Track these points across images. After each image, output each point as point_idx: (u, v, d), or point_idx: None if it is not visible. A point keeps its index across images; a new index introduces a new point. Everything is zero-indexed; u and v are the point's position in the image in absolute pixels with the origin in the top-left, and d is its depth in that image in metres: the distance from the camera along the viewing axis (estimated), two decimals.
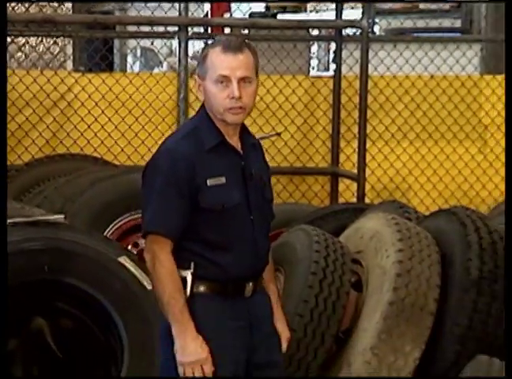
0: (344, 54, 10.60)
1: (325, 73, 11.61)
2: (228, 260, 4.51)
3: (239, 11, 14.06)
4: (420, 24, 12.77)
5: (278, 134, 10.29)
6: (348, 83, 10.44)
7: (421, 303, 6.31)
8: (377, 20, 11.76)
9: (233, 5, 14.55)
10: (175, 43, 10.68)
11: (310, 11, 13.43)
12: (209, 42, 14.02)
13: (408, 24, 12.75)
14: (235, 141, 4.59)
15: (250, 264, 4.58)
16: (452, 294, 6.39)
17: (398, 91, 10.72)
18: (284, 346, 4.83)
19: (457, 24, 13.02)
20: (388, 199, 9.70)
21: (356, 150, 10.13)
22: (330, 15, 11.19)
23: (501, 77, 11.11)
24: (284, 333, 4.83)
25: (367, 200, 9.99)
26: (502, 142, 10.74)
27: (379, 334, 6.23)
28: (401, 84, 10.74)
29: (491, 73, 11.94)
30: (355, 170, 10.15)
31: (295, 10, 13.86)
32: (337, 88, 10.37)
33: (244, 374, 4.58)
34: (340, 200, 10.32)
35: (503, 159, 10.81)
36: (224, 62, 4.43)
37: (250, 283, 4.59)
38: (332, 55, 10.97)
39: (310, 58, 12.73)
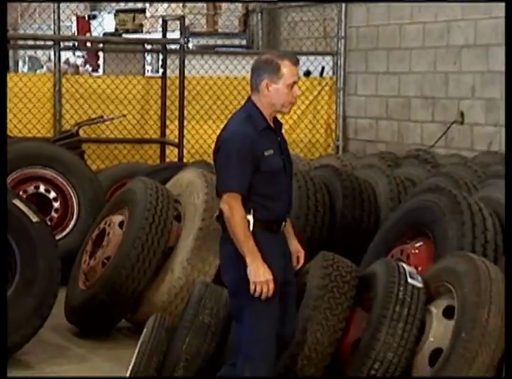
0: (169, 61, 10.59)
1: (156, 74, 11.51)
2: (276, 206, 4.41)
3: (96, 32, 13.91)
4: (219, 42, 12.82)
5: (124, 116, 10.24)
6: (171, 81, 10.41)
7: (220, 228, 6.33)
8: (190, 38, 11.69)
9: (92, 27, 14.39)
10: (51, 52, 10.44)
11: (146, 32, 13.23)
12: (76, 52, 14.06)
13: (211, 41, 12.81)
14: (272, 124, 4.51)
15: (285, 209, 4.50)
16: None
17: (205, 86, 10.76)
18: (302, 260, 4.66)
19: (244, 42, 13.09)
20: (198, 159, 9.70)
21: (177, 126, 10.18)
22: (159, 35, 11.10)
23: None
24: (300, 250, 4.66)
25: (184, 160, 10.01)
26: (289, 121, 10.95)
27: (192, 249, 6.25)
28: (207, 82, 10.79)
29: None
30: (176, 140, 10.19)
31: (135, 31, 13.65)
32: (164, 85, 10.36)
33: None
34: (167, 160, 10.31)
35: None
36: (294, 72, 4.43)
37: (284, 222, 4.50)
38: (160, 62, 10.87)
39: (145, 63, 12.63)
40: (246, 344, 4.40)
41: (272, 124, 4.50)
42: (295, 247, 4.65)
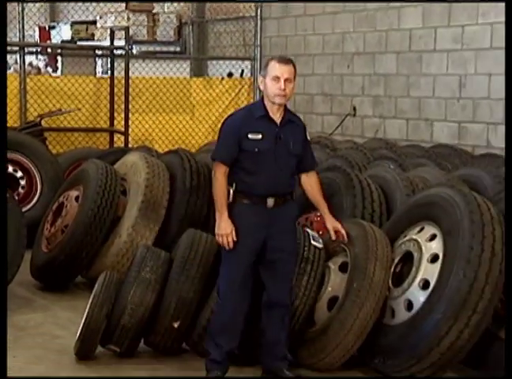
0: (116, 64, 10.46)
1: (105, 75, 11.35)
2: (255, 181, 4.33)
3: (55, 39, 13.65)
4: (158, 48, 12.72)
5: (79, 109, 10.09)
6: (118, 81, 10.26)
7: (159, 201, 6.26)
8: (134, 45, 11.56)
9: (52, 35, 14.13)
10: (17, 56, 10.22)
11: (97, 40, 13.01)
12: (38, 56, 13.75)
13: (151, 48, 12.68)
14: (277, 117, 4.39)
15: (269, 187, 4.34)
16: (176, 196, 6.39)
17: (146, 85, 10.63)
18: (342, 231, 4.59)
19: (178, 49, 13.01)
20: (141, 145, 9.62)
21: (123, 118, 10.08)
22: (108, 42, 10.93)
23: (202, 78, 11.26)
24: (336, 226, 4.58)
25: (129, 146, 9.92)
26: (203, 114, 10.87)
27: (136, 218, 6.18)
28: (147, 81, 10.66)
29: (196, 76, 12.08)
30: (122, 129, 10.09)
31: (88, 39, 13.40)
32: (112, 83, 10.21)
33: (260, 251, 4.37)
34: (115, 145, 10.19)
35: (203, 123, 10.95)
36: (278, 68, 4.33)
37: (272, 199, 4.34)
38: (109, 65, 10.70)
39: (96, 66, 12.45)
40: (219, 286, 4.46)
41: (276, 117, 4.39)
42: (332, 224, 4.59)
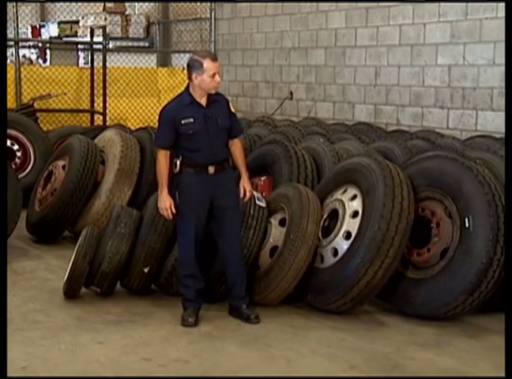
0: (95, 56, 10.24)
1: (86, 66, 11.08)
2: (195, 156, 4.22)
3: (45, 36, 13.29)
4: (130, 43, 12.52)
5: (65, 93, 9.88)
6: (97, 70, 10.04)
7: (131, 169, 6.17)
8: (110, 41, 11.30)
9: (42, 33, 13.76)
10: (13, 50, 9.94)
11: (79, 36, 12.69)
12: (31, 50, 13.35)
13: (124, 43, 12.47)
14: (203, 101, 4.26)
15: (207, 158, 4.23)
16: (145, 165, 6.28)
17: (120, 74, 10.43)
18: (247, 193, 4.41)
19: (146, 44, 12.83)
20: (116, 123, 9.45)
21: (102, 101, 9.87)
22: (88, 38, 10.67)
23: (166, 68, 11.06)
24: (243, 187, 4.39)
25: (107, 124, 9.74)
26: (168, 97, 10.68)
27: (113, 183, 6.08)
28: (121, 70, 10.46)
29: (161, 66, 11.94)
30: (101, 110, 9.90)
31: (72, 35, 13.06)
32: (92, 72, 10.00)
33: (208, 212, 4.27)
34: (95, 123, 9.99)
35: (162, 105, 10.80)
36: (214, 67, 4.22)
37: (213, 167, 4.24)
38: (89, 57, 10.45)
39: (79, 58, 12.16)
40: (178, 240, 4.41)
41: (202, 101, 4.27)
42: (243, 185, 4.42)
